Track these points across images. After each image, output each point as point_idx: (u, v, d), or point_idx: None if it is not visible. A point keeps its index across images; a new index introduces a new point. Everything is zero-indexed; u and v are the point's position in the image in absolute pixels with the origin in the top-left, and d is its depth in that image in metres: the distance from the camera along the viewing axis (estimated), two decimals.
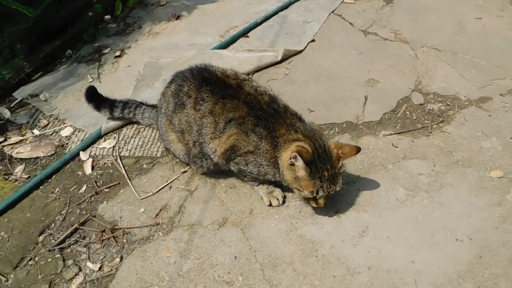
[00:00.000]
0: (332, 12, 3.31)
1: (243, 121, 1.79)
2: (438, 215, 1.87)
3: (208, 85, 1.88)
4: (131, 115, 2.38)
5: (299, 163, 1.67)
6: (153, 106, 2.38)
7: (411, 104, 2.44)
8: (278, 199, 1.99)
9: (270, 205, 1.99)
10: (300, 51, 2.95)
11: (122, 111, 2.37)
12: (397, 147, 2.19)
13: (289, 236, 1.87)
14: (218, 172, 2.09)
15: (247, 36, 3.20)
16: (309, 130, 1.80)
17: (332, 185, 1.74)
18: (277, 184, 1.96)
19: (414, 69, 2.67)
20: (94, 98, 2.39)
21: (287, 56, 2.92)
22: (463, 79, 2.55)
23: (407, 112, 2.39)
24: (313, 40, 3.03)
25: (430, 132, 2.25)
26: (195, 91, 1.89)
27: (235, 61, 2.87)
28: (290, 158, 1.69)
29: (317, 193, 1.74)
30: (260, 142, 1.78)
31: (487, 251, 1.72)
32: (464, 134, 2.21)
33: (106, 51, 3.14)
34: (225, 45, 3.09)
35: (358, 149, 1.78)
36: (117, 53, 3.10)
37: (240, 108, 1.81)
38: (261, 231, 1.90)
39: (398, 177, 2.05)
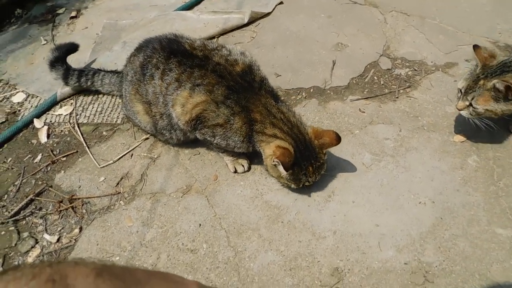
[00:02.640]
0: None
1: (212, 89, 1.66)
2: (403, 179, 1.86)
3: (176, 57, 1.74)
4: (89, 84, 2.19)
5: (280, 169, 1.64)
6: (113, 72, 2.20)
7: (379, 69, 2.38)
8: (243, 166, 1.92)
9: (236, 171, 1.92)
10: (268, 14, 2.80)
11: (79, 80, 2.17)
12: (364, 112, 2.15)
13: (255, 202, 1.82)
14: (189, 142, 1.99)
15: None
16: (287, 121, 1.70)
17: (317, 175, 1.74)
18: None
19: (383, 34, 2.59)
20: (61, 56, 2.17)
21: (254, 18, 2.77)
22: (431, 44, 2.50)
23: (375, 77, 2.33)
24: (281, 3, 2.88)
25: (397, 97, 2.21)
26: (164, 63, 1.75)
27: (199, 23, 2.70)
28: (273, 160, 1.63)
29: (303, 186, 1.75)
30: (231, 117, 1.66)
31: (448, 213, 1.73)
32: (430, 99, 2.19)
33: (60, 11, 2.88)
34: (189, 7, 2.89)
35: (338, 139, 1.73)
36: (73, 14, 2.85)
37: (208, 77, 1.68)
38: (226, 198, 1.84)
39: (364, 142, 2.01)
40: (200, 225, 1.74)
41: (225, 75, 1.68)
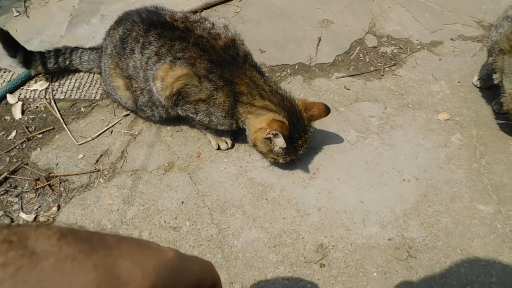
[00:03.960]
0: None
1: (195, 63, 1.57)
2: (388, 157, 1.85)
3: (156, 29, 1.64)
4: (67, 63, 2.07)
5: (279, 141, 1.58)
6: (91, 49, 2.09)
7: (365, 47, 2.34)
8: (227, 143, 1.86)
9: (219, 148, 1.87)
10: None
11: (56, 61, 2.05)
12: (349, 89, 2.11)
13: (239, 179, 1.78)
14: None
15: None
16: (276, 93, 1.64)
17: (305, 148, 1.71)
18: None
19: (369, 11, 2.55)
20: (18, 52, 1.99)
21: None
22: (417, 22, 2.47)
23: (361, 55, 2.30)
24: None
25: (383, 75, 2.18)
26: (143, 36, 1.65)
27: None
28: (268, 134, 1.56)
29: (290, 160, 1.72)
30: (215, 92, 1.58)
31: (432, 190, 1.73)
32: (415, 77, 2.17)
33: None
34: None
35: (327, 110, 1.70)
36: None
37: (190, 50, 1.59)
38: (209, 175, 1.79)
39: (350, 119, 1.99)
40: (182, 202, 1.69)
41: (207, 49, 1.60)
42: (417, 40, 2.36)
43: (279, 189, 1.75)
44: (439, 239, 1.59)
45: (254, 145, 1.71)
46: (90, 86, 2.12)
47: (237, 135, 1.89)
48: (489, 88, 2.02)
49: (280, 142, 1.59)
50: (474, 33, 2.38)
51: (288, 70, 2.22)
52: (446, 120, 1.97)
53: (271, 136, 1.58)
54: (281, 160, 1.71)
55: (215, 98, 1.60)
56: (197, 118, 1.69)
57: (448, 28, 2.43)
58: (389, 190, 1.73)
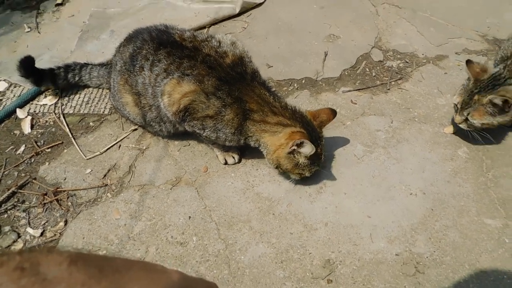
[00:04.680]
0: None
1: (203, 80, 1.60)
2: (394, 171, 1.85)
3: (165, 48, 1.68)
4: (76, 79, 2.13)
5: (306, 149, 1.58)
6: (100, 65, 2.14)
7: (371, 61, 2.36)
8: (234, 157, 1.88)
9: (226, 163, 1.89)
10: (260, 4, 2.77)
11: (66, 77, 2.10)
12: (356, 103, 2.13)
13: (246, 194, 1.79)
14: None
15: None
16: (286, 108, 1.66)
17: (323, 155, 1.73)
18: None
19: (375, 26, 2.58)
20: (32, 72, 2.04)
21: (246, 8, 2.73)
22: (422, 37, 2.50)
23: (367, 69, 2.32)
24: None
25: (389, 89, 2.20)
26: (153, 54, 1.69)
27: (190, 12, 2.65)
28: (291, 146, 1.57)
29: (315, 170, 1.74)
30: (223, 109, 1.60)
31: (439, 204, 1.73)
32: (421, 91, 2.18)
33: None
34: None
35: (334, 113, 1.75)
36: (59, 1, 2.76)
37: (198, 67, 1.62)
38: (216, 190, 1.80)
39: (356, 133, 2.00)
40: (190, 217, 1.71)
41: (215, 67, 1.63)
42: (423, 54, 2.38)
43: (286, 204, 1.76)
44: (447, 254, 1.59)
45: (278, 165, 1.69)
46: (99, 100, 2.16)
47: (244, 150, 1.91)
48: None
49: (307, 149, 1.58)
50: (479, 47, 2.40)
51: (295, 85, 2.24)
52: (452, 133, 1.97)
53: (295, 147, 1.58)
54: (307, 173, 1.71)
55: (223, 115, 1.62)
56: (204, 134, 1.71)
57: (452, 42, 2.45)
58: (396, 205, 1.74)
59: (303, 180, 1.79)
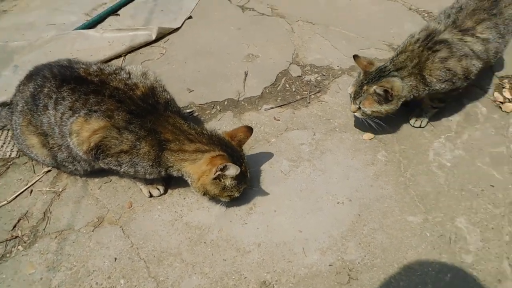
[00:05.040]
0: None
1: (112, 115, 1.54)
2: (321, 182, 1.90)
3: (69, 84, 1.60)
4: None
5: (231, 170, 1.57)
6: (3, 105, 2.00)
7: (290, 77, 2.44)
8: (159, 189, 1.83)
9: (151, 196, 1.83)
10: (177, 29, 2.77)
11: None
12: (279, 120, 2.18)
13: (175, 225, 1.74)
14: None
15: (117, 15, 2.91)
16: (203, 134, 1.66)
17: (248, 172, 1.74)
18: None
19: (291, 43, 2.68)
20: None
21: (163, 34, 2.72)
22: (336, 50, 2.64)
23: (287, 85, 2.39)
24: (190, 17, 2.87)
25: (309, 103, 2.29)
26: (56, 92, 1.60)
27: (103, 41, 2.58)
28: (215, 172, 1.55)
29: (244, 188, 1.73)
30: (137, 143, 1.55)
31: (365, 208, 1.80)
32: (339, 101, 2.29)
33: None
34: (91, 25, 2.76)
35: (250, 130, 1.77)
36: None
37: (106, 102, 1.56)
38: (143, 226, 1.73)
39: (281, 149, 2.04)
40: (115, 259, 1.61)
41: (125, 100, 1.59)
42: (338, 66, 2.51)
43: (217, 230, 1.73)
44: (377, 257, 1.65)
45: (205, 192, 1.66)
46: (4, 144, 2.00)
47: (170, 179, 1.87)
48: (405, 105, 2.18)
49: (232, 171, 1.57)
50: (386, 56, 2.57)
51: (218, 107, 2.25)
52: (371, 139, 2.08)
53: (219, 172, 1.57)
54: (236, 194, 1.70)
55: (139, 149, 1.57)
56: (122, 170, 1.64)
57: (363, 52, 2.60)
58: (325, 215, 1.78)
59: (233, 202, 1.78)
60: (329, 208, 1.81)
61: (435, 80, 1.86)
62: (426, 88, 1.89)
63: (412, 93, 1.91)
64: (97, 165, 1.71)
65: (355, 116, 2.07)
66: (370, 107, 1.89)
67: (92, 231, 1.70)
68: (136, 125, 1.56)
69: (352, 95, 1.95)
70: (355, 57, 1.96)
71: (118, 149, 1.57)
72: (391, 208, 1.81)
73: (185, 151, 1.62)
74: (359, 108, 1.93)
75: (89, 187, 1.86)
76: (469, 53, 1.86)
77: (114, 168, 1.64)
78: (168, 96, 1.73)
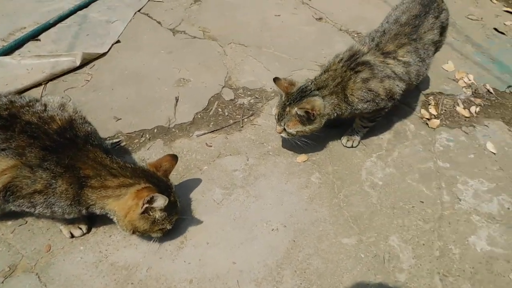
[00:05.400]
0: (139, 10, 3.14)
1: (24, 152, 1.43)
2: (255, 209, 1.89)
3: None
4: None
5: (159, 202, 1.50)
6: None
7: (223, 101, 2.44)
8: (81, 228, 1.72)
9: (72, 236, 1.72)
10: (104, 54, 2.68)
11: None
12: (211, 146, 2.16)
13: (99, 267, 1.63)
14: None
15: (38, 40, 2.77)
16: (126, 167, 1.59)
17: (179, 202, 1.69)
18: None
19: (224, 66, 2.70)
20: None
21: (88, 60, 2.62)
22: (268, 71, 2.68)
23: (219, 109, 2.39)
24: (118, 41, 2.80)
25: (242, 127, 2.29)
26: None
27: (21, 69, 2.44)
28: (143, 205, 1.48)
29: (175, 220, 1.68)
30: (53, 181, 1.45)
31: (300, 233, 1.81)
32: (272, 124, 2.30)
33: None
34: (8, 51, 2.60)
35: (175, 158, 1.74)
36: None
37: (17, 139, 1.45)
38: (63, 270, 1.61)
39: (214, 177, 2.01)
40: None
41: (39, 135, 1.49)
42: (271, 88, 2.55)
43: (145, 268, 1.65)
44: (313, 283, 1.65)
45: (134, 229, 1.58)
46: None
47: (94, 216, 1.76)
48: (338, 126, 2.25)
49: (160, 202, 1.51)
50: None
51: (147, 135, 2.18)
52: (304, 161, 2.12)
53: (147, 205, 1.50)
54: (168, 226, 1.64)
55: (55, 188, 1.47)
56: (36, 212, 1.52)
57: (296, 73, 2.68)
58: (259, 244, 1.76)
59: (163, 236, 1.71)
60: (263, 235, 1.79)
61: (356, 99, 1.93)
62: (349, 107, 1.96)
63: (335, 111, 1.97)
64: (7, 208, 1.58)
65: (282, 137, 2.10)
66: (294, 127, 1.94)
67: (2, 282, 1.55)
68: (52, 162, 1.46)
69: (277, 117, 1.98)
70: (275, 79, 2.00)
71: (31, 190, 1.46)
72: (326, 231, 1.83)
73: (108, 187, 1.54)
74: (284, 129, 1.96)
75: (1, 232, 1.70)
76: (391, 75, 1.96)
77: (28, 210, 1.52)
78: (89, 129, 1.65)
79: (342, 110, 1.97)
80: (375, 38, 2.06)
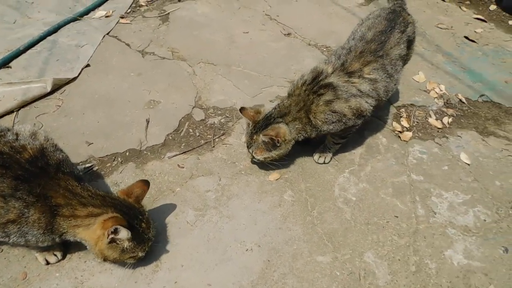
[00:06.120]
0: (108, 33, 3.24)
1: None
2: (228, 229, 1.98)
3: None
4: None
5: (122, 233, 1.58)
6: None
7: (193, 121, 2.55)
8: (56, 255, 1.80)
9: (48, 263, 1.79)
10: (74, 79, 2.78)
11: None
12: (183, 167, 2.25)
13: None
14: None
15: (8, 67, 2.84)
16: (97, 196, 1.67)
17: (152, 228, 1.75)
18: None
19: (193, 86, 2.81)
20: None
21: (59, 85, 2.71)
22: (238, 90, 2.81)
23: (190, 130, 2.49)
24: (88, 65, 2.89)
25: (214, 147, 2.40)
26: None
27: None
28: (108, 236, 1.55)
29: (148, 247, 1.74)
30: (26, 210, 1.53)
31: (274, 253, 1.90)
32: (244, 143, 2.40)
33: None
34: None
35: (147, 183, 1.82)
36: None
37: None
38: None
39: (186, 198, 2.10)
40: None
41: (11, 165, 1.57)
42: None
43: None
44: None
45: (105, 258, 1.66)
46: None
47: (68, 242, 1.82)
48: (309, 143, 2.36)
49: (124, 234, 1.59)
50: None
51: (119, 159, 2.26)
52: (277, 179, 2.22)
53: (112, 236, 1.58)
54: (140, 254, 1.71)
55: (28, 217, 1.54)
56: (11, 241, 1.59)
57: (266, 91, 2.81)
58: (234, 265, 1.84)
59: (136, 262, 1.78)
60: (238, 256, 1.88)
61: (320, 122, 2.05)
62: (314, 130, 2.09)
63: (302, 135, 2.10)
64: None
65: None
66: (262, 155, 2.08)
67: None
68: (24, 191, 1.54)
69: (246, 144, 2.14)
70: (241, 110, 2.13)
71: (5, 219, 1.53)
72: (300, 250, 1.92)
73: (78, 216, 1.62)
74: (253, 156, 2.12)
75: None
76: (356, 93, 2.06)
77: (2, 239, 1.59)
78: (61, 156, 1.74)
79: (308, 133, 2.10)
80: (341, 56, 2.16)
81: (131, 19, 3.45)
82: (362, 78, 2.09)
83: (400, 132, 2.59)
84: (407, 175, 2.31)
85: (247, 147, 2.12)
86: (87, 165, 2.22)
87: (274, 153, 2.07)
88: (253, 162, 2.28)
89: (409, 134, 2.58)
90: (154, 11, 3.61)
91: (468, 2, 4.16)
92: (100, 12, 3.47)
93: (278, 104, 2.13)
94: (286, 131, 2.02)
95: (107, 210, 1.64)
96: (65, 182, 1.64)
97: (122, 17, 3.44)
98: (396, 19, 2.28)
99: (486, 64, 3.27)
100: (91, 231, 1.61)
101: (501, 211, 2.14)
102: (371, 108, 2.15)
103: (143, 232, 1.69)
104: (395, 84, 2.28)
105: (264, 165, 2.24)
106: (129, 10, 3.57)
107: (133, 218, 1.67)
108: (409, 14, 2.41)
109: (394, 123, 2.63)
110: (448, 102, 2.87)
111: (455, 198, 2.20)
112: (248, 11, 3.74)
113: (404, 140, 2.52)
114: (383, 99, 2.24)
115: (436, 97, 2.88)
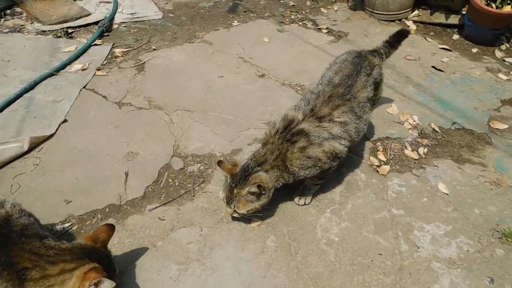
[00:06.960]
0: (84, 87, 3.25)
1: None
2: (212, 282, 1.93)
3: None
4: None
5: (106, 284, 1.54)
6: None
7: (173, 171, 2.53)
8: None
9: None
10: (51, 135, 2.75)
11: None
12: (164, 219, 2.22)
13: None
14: None
15: None
16: (63, 250, 1.63)
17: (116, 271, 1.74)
18: None
19: (171, 134, 2.82)
20: None
21: (36, 143, 2.68)
22: (216, 135, 2.82)
23: (170, 180, 2.47)
24: (65, 121, 2.88)
25: (194, 196, 2.37)
26: None
27: None
28: (91, 285, 1.52)
29: None
30: None
31: None
32: None
33: None
34: None
35: (112, 227, 1.80)
36: None
37: None
38: None
39: (169, 252, 2.05)
40: None
41: None
42: (220, 152, 2.67)
43: None
44: None
45: None
46: None
47: None
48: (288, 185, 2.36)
49: (108, 285, 1.55)
50: None
51: (99, 215, 2.22)
52: (258, 225, 2.20)
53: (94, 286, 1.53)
54: None
55: None
56: None
57: (244, 134, 2.83)
58: None
59: None
60: None
61: (296, 168, 2.06)
62: (291, 176, 2.09)
63: (280, 182, 2.10)
64: None
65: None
66: (245, 207, 2.04)
67: None
68: None
69: (225, 200, 2.09)
70: (219, 163, 2.11)
71: None
72: None
73: (50, 275, 1.57)
74: (235, 211, 2.07)
75: None
76: (329, 137, 2.09)
77: None
78: (26, 221, 1.71)
79: (286, 179, 2.10)
80: (310, 101, 2.20)
81: (107, 70, 3.48)
82: (333, 122, 2.12)
83: (378, 166, 2.61)
84: (388, 210, 2.31)
85: (227, 203, 2.07)
86: (66, 224, 2.16)
87: (258, 204, 2.03)
88: (233, 218, 2.23)
89: (387, 167, 2.60)
90: (130, 61, 3.65)
91: (432, 33, 4.33)
92: (76, 66, 3.49)
93: (254, 154, 2.13)
94: (266, 178, 2.01)
95: (82, 262, 1.60)
96: (29, 245, 1.61)
97: (98, 69, 3.47)
98: (362, 63, 2.35)
99: (455, 92, 3.36)
100: (68, 286, 1.57)
101: (483, 239, 2.14)
102: (345, 149, 2.17)
103: (116, 277, 1.68)
104: (364, 125, 2.32)
105: (246, 218, 2.22)
106: (105, 62, 3.61)
107: (106, 265, 1.65)
108: (375, 57, 2.48)
109: (372, 158, 2.66)
110: (422, 132, 2.92)
111: (437, 230, 2.20)
112: (222, 55, 3.81)
113: (382, 174, 2.54)
114: (355, 139, 2.27)
115: (410, 128, 2.93)
